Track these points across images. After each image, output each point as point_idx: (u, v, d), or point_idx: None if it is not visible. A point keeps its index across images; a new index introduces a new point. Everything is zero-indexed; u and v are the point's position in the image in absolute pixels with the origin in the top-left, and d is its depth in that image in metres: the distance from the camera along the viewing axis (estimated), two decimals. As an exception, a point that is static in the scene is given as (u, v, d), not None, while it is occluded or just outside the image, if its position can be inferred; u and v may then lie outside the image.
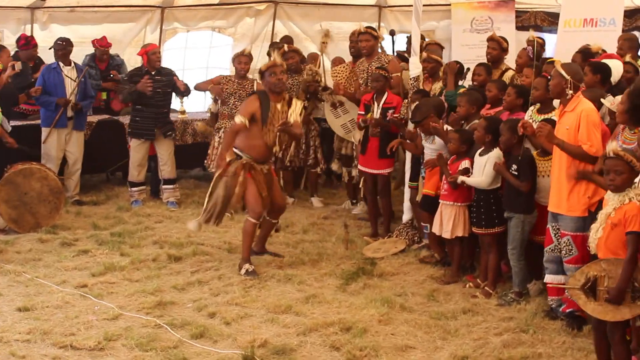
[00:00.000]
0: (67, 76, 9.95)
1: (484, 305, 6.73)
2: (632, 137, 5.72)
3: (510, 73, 8.69)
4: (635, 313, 4.95)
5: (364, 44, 9.41)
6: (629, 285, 4.90)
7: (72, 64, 10.12)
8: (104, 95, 11.60)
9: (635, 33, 11.30)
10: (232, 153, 7.55)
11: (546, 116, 6.66)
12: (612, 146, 5.14)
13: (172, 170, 10.18)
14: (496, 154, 6.81)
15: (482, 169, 6.89)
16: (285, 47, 9.98)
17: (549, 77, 6.34)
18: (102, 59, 11.46)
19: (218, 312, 6.46)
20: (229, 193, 7.44)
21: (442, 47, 9.74)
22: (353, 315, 6.39)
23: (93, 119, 10.84)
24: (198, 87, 10.36)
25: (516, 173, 6.59)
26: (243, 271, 7.42)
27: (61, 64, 9.99)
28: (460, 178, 7.05)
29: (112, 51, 11.77)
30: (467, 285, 7.19)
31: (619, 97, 6.26)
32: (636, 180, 5.07)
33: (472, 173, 7.10)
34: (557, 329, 6.15)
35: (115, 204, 10.16)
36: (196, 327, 6.08)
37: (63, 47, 10.05)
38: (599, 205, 5.66)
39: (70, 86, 9.94)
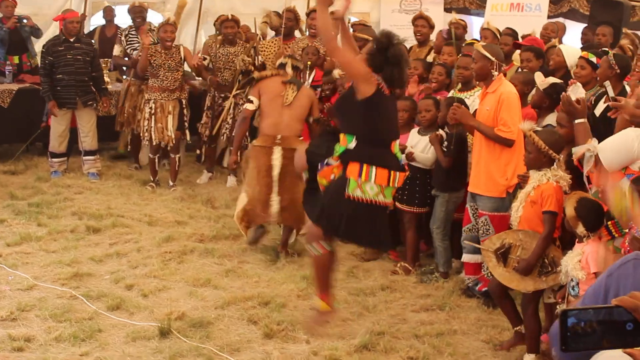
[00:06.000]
0: None
1: (403, 282, 6.79)
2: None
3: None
4: (538, 287, 5.15)
5: (315, 22, 9.34)
6: (539, 260, 5.08)
7: None
8: (15, 60, 10.97)
9: (560, 19, 11.52)
10: None
11: (467, 94, 6.73)
12: (525, 126, 5.27)
13: (93, 142, 9.96)
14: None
15: (427, 148, 6.85)
16: (230, 15, 9.77)
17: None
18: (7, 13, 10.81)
19: (136, 284, 6.39)
20: None
21: (368, 27, 9.70)
22: (272, 290, 6.40)
23: (13, 87, 10.53)
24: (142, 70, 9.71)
25: (446, 150, 6.63)
26: None
27: None
28: (409, 150, 6.84)
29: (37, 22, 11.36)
30: (399, 265, 7.11)
31: (551, 78, 6.37)
32: (559, 158, 5.17)
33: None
34: (473, 306, 6.26)
35: (34, 174, 9.89)
36: (112, 299, 6.00)
37: None
38: (517, 186, 5.76)
39: None
